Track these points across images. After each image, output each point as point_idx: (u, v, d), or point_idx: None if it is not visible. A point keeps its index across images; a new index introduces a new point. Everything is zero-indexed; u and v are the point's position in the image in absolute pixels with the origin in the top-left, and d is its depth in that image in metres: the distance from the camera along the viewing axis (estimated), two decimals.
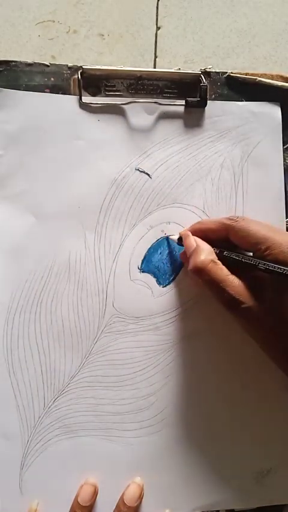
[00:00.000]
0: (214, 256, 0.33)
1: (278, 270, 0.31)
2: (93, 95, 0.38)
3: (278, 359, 0.34)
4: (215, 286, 0.32)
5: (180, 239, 0.37)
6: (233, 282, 0.32)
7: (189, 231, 0.36)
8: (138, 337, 0.37)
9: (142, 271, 0.38)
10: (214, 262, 0.33)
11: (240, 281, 0.32)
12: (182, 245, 0.36)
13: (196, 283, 0.38)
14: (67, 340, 0.37)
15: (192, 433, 0.38)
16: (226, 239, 0.34)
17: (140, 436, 0.37)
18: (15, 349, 0.36)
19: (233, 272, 0.33)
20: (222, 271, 0.33)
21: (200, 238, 0.35)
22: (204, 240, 0.35)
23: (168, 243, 0.38)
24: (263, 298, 0.32)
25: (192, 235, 0.36)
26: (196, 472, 0.37)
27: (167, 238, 0.38)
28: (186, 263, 0.36)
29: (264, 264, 0.31)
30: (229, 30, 0.44)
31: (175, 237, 0.37)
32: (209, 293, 0.33)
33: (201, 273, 0.33)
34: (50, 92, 0.38)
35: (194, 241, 0.35)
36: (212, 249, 0.34)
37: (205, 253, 0.33)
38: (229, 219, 0.34)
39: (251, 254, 0.33)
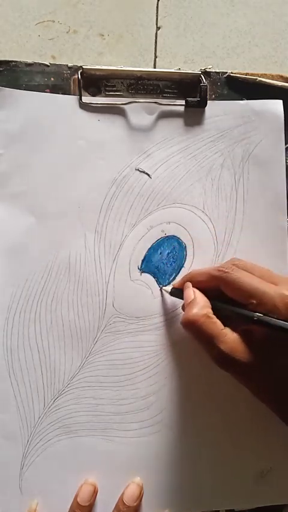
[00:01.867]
0: (209, 310, 0.32)
1: (273, 323, 0.30)
2: (93, 95, 0.38)
3: (272, 406, 0.33)
4: (207, 342, 0.31)
5: (172, 292, 0.37)
6: (225, 337, 0.31)
7: (181, 282, 0.36)
8: (138, 337, 0.37)
9: (142, 271, 0.38)
10: (208, 316, 0.32)
11: (233, 335, 0.31)
12: (175, 296, 0.36)
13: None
14: (67, 340, 0.37)
15: (192, 433, 0.38)
16: (218, 289, 0.34)
17: (140, 436, 0.37)
18: (15, 349, 0.36)
19: (226, 323, 0.32)
20: (215, 325, 0.32)
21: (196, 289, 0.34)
22: (201, 291, 0.34)
23: (168, 243, 0.38)
24: (255, 353, 0.31)
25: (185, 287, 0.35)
26: (196, 472, 0.37)
27: (160, 288, 0.38)
28: None
29: (259, 317, 0.31)
30: (229, 30, 0.44)
31: (168, 289, 0.37)
32: (200, 348, 0.33)
33: (193, 326, 0.32)
34: (50, 92, 0.38)
35: (192, 293, 0.34)
36: (208, 302, 0.33)
37: (199, 306, 0.32)
38: (219, 270, 0.33)
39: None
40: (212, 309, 0.33)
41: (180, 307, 0.38)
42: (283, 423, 0.39)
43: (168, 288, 0.37)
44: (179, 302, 0.38)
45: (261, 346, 0.31)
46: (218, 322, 0.32)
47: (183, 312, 0.37)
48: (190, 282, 0.35)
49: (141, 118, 0.38)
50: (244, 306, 0.32)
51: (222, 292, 0.33)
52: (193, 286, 0.35)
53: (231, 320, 0.33)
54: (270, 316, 0.30)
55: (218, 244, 0.39)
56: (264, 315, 0.31)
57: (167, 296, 0.38)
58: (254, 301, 0.31)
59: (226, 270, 0.33)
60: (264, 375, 0.31)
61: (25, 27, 0.41)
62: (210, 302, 0.33)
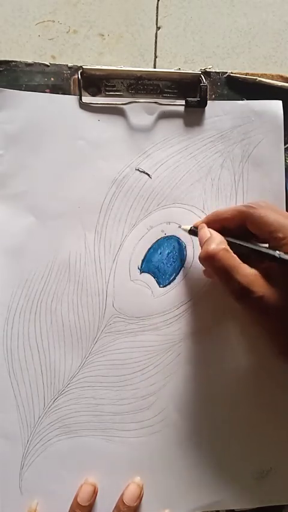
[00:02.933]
0: (226, 246, 0.33)
1: None
2: (93, 95, 0.38)
3: (286, 351, 0.33)
4: (225, 274, 0.32)
5: (191, 230, 0.37)
6: (245, 271, 0.32)
7: (204, 222, 0.36)
8: (138, 337, 0.37)
9: (142, 271, 0.38)
10: (226, 250, 0.32)
11: (251, 270, 0.32)
12: (194, 235, 0.36)
13: (207, 274, 0.38)
14: (67, 340, 0.37)
15: (192, 433, 0.38)
16: (243, 228, 0.34)
17: (140, 436, 0.37)
18: (15, 349, 0.36)
19: (244, 261, 0.32)
20: (234, 259, 0.32)
21: (216, 229, 0.35)
22: (221, 231, 0.35)
23: (168, 243, 0.38)
24: (274, 289, 0.31)
25: (209, 225, 0.35)
26: (196, 472, 0.37)
27: (179, 228, 0.38)
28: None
29: (280, 254, 0.31)
30: (229, 30, 0.44)
31: (187, 227, 0.37)
32: (219, 282, 0.33)
33: (212, 260, 0.32)
34: (50, 92, 0.38)
35: (208, 231, 0.34)
36: (224, 239, 0.34)
37: (216, 242, 0.33)
38: (246, 206, 0.34)
39: (267, 245, 0.33)
40: (230, 247, 0.33)
41: (179, 306, 0.38)
42: (283, 424, 0.39)
43: (188, 226, 0.37)
44: (179, 302, 0.38)
45: (280, 282, 0.32)
46: (236, 257, 0.32)
47: (209, 279, 0.38)
48: (214, 219, 0.35)
49: (141, 118, 0.38)
50: (266, 244, 0.33)
51: (243, 231, 0.34)
52: (217, 224, 0.35)
53: (249, 259, 0.33)
54: None
55: None
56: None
57: (167, 296, 0.38)
58: (280, 236, 0.32)
59: (254, 206, 0.34)
60: (282, 311, 0.31)
61: (25, 27, 0.41)
62: (228, 242, 0.34)
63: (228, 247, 0.33)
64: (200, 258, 0.34)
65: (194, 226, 0.37)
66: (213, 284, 0.38)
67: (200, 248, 0.34)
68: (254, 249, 0.33)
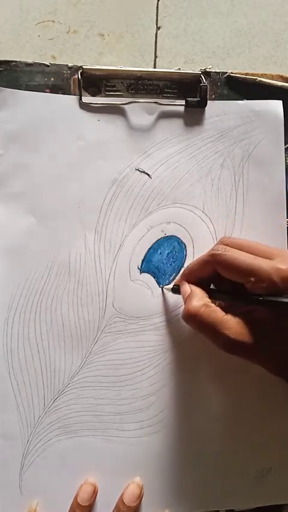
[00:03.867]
0: (207, 300, 0.32)
1: (278, 301, 0.30)
2: (93, 95, 0.38)
3: (285, 376, 0.33)
4: (211, 330, 0.31)
5: (173, 289, 0.37)
6: (229, 323, 0.31)
7: (183, 278, 0.36)
8: (138, 337, 0.37)
9: (142, 271, 0.38)
10: (207, 305, 0.32)
11: (235, 319, 0.31)
12: (178, 293, 0.36)
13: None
14: (67, 340, 0.37)
15: (192, 433, 0.38)
16: (214, 274, 0.34)
17: (140, 436, 0.37)
18: (15, 349, 0.36)
19: (226, 309, 0.32)
20: (216, 313, 0.32)
21: (194, 283, 0.35)
22: (200, 282, 0.34)
23: (168, 243, 0.38)
24: (260, 332, 0.31)
25: (186, 280, 0.35)
26: (196, 472, 0.37)
27: (162, 287, 0.38)
28: None
29: (264, 297, 0.31)
30: (229, 30, 0.44)
31: (169, 287, 0.37)
32: (205, 338, 0.32)
33: (195, 318, 0.32)
34: (50, 92, 0.38)
35: (188, 287, 0.34)
36: (204, 293, 0.33)
37: (197, 298, 0.32)
38: (211, 254, 0.33)
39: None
40: (211, 298, 0.33)
41: (179, 306, 0.38)
42: (283, 424, 0.39)
43: (170, 286, 0.37)
44: (180, 301, 0.38)
45: (264, 324, 0.31)
46: (218, 309, 0.32)
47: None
48: (189, 274, 0.35)
49: (141, 118, 0.38)
50: (242, 285, 0.32)
51: (221, 276, 0.33)
52: (193, 277, 0.35)
53: (230, 305, 0.33)
54: (270, 295, 0.31)
55: None
56: (259, 294, 0.31)
57: (167, 296, 0.38)
58: (252, 279, 0.31)
59: (218, 252, 0.33)
60: (272, 350, 0.31)
61: (25, 27, 0.41)
62: (208, 292, 0.34)
63: (209, 301, 0.32)
64: (182, 318, 0.33)
65: (176, 284, 0.37)
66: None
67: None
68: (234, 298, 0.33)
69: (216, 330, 0.31)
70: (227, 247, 0.33)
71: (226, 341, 0.31)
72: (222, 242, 0.34)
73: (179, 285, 0.36)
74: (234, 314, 0.32)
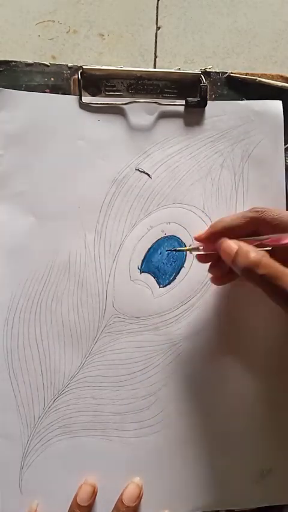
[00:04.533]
0: (263, 252, 0.32)
1: None
2: (93, 95, 0.38)
3: None
4: (273, 280, 0.30)
5: (195, 248, 0.35)
6: None
7: (210, 233, 0.34)
8: (138, 337, 0.37)
9: (142, 271, 0.38)
10: (267, 256, 0.31)
11: None
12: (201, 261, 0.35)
13: (214, 280, 0.37)
14: (67, 340, 0.37)
15: (192, 433, 0.38)
16: (251, 233, 0.33)
17: (140, 436, 0.37)
18: (15, 349, 0.36)
19: None
20: (277, 265, 0.31)
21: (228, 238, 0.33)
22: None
23: (168, 243, 0.38)
24: None
25: (215, 237, 0.34)
26: (196, 472, 0.37)
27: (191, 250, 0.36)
28: (215, 275, 0.36)
29: None
30: (229, 30, 0.44)
31: (196, 248, 0.35)
32: (264, 290, 0.31)
33: (257, 269, 0.30)
34: (50, 92, 0.38)
35: (233, 244, 0.32)
36: (255, 247, 0.32)
37: (253, 250, 0.31)
38: (254, 211, 0.34)
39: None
40: None
41: (179, 306, 0.38)
42: (283, 424, 0.39)
43: (196, 246, 0.35)
44: (178, 302, 0.38)
45: None
46: (276, 262, 0.31)
47: (210, 274, 0.37)
48: (224, 228, 0.34)
49: (141, 118, 0.38)
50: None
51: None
52: (230, 233, 0.34)
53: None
54: None
55: None
56: None
57: (167, 296, 0.38)
58: None
59: (262, 210, 0.33)
60: None
61: (25, 27, 0.41)
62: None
63: (265, 253, 0.31)
64: (243, 271, 0.31)
65: (199, 244, 0.35)
66: (212, 284, 0.38)
67: (230, 263, 0.32)
68: None
69: (279, 278, 0.30)
70: (266, 207, 0.34)
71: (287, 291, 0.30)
72: (256, 207, 0.34)
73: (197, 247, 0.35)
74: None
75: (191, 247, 0.36)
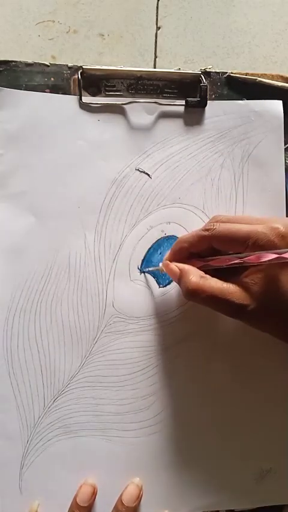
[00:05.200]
0: (201, 273, 0.33)
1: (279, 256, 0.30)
2: (93, 95, 0.38)
3: None
4: (214, 300, 0.32)
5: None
6: (230, 289, 0.32)
7: (172, 254, 0.36)
8: (138, 337, 0.37)
9: (142, 272, 0.38)
10: (205, 278, 0.33)
11: (235, 286, 0.32)
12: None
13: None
14: (67, 340, 0.37)
15: (192, 433, 0.38)
16: (209, 249, 0.34)
17: (140, 436, 0.37)
18: (15, 349, 0.36)
19: (224, 280, 0.33)
20: (216, 283, 0.32)
21: (185, 257, 0.35)
22: (190, 257, 0.35)
23: (168, 243, 0.38)
24: (259, 295, 0.32)
25: (177, 256, 0.35)
26: (196, 472, 0.37)
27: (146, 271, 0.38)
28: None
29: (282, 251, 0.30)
30: (229, 30, 0.44)
31: (160, 267, 0.37)
32: (211, 308, 0.33)
33: (196, 292, 0.32)
34: (50, 92, 0.38)
35: (175, 266, 0.34)
36: (195, 268, 0.34)
37: (192, 273, 0.33)
38: (206, 229, 0.34)
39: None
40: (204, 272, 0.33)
41: (178, 306, 0.38)
42: (283, 424, 0.39)
43: (157, 267, 0.37)
44: (178, 302, 0.38)
45: (261, 288, 0.32)
46: (217, 279, 0.32)
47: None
48: (180, 252, 0.35)
49: (141, 118, 0.38)
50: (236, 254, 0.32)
51: (211, 252, 0.34)
52: (184, 254, 0.35)
53: (225, 276, 0.33)
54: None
55: None
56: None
57: (167, 296, 0.38)
58: (250, 243, 0.31)
59: (214, 227, 0.33)
60: (277, 310, 0.32)
61: (25, 27, 0.41)
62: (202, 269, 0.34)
63: (204, 274, 0.33)
64: (184, 295, 0.33)
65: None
66: None
67: (178, 285, 0.34)
68: (231, 263, 0.32)
69: (219, 298, 0.31)
70: (219, 223, 0.34)
71: (232, 306, 0.31)
72: (214, 219, 0.35)
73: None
74: (233, 282, 0.32)
75: (160, 267, 0.37)
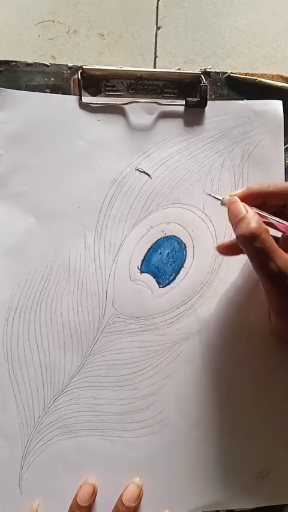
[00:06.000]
0: (265, 226, 0.32)
1: None
2: (93, 95, 0.38)
3: None
4: (264, 256, 0.31)
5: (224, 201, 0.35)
6: (282, 255, 0.31)
7: (243, 194, 0.34)
8: (138, 337, 0.37)
9: (142, 272, 0.38)
10: (267, 231, 0.31)
11: (286, 254, 0.31)
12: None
13: (221, 249, 0.37)
14: (67, 340, 0.37)
15: (192, 433, 0.38)
16: (279, 208, 0.34)
17: (140, 436, 0.37)
18: (15, 349, 0.36)
19: None
20: (273, 242, 0.31)
21: (255, 204, 0.33)
22: (258, 207, 0.34)
23: (168, 243, 0.38)
24: None
25: (246, 198, 0.34)
26: (196, 472, 0.37)
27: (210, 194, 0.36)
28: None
29: None
30: (229, 30, 0.44)
31: (220, 197, 0.35)
32: (254, 263, 0.32)
33: (254, 241, 0.31)
34: (50, 92, 0.38)
35: (243, 208, 0.32)
36: (261, 219, 0.32)
37: (256, 221, 0.31)
38: (263, 185, 0.33)
39: None
40: None
41: (179, 306, 0.38)
42: (283, 424, 0.39)
43: (221, 197, 0.35)
44: (178, 302, 0.38)
45: None
46: (273, 240, 0.31)
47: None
48: (259, 193, 0.34)
49: (141, 118, 0.38)
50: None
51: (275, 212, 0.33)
52: (261, 198, 0.34)
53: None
54: None
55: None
56: None
57: (167, 296, 0.38)
58: None
59: (270, 183, 0.33)
60: None
61: (25, 27, 0.41)
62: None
63: (267, 228, 0.32)
64: (239, 237, 0.32)
65: (228, 200, 0.34)
66: (212, 284, 0.38)
67: (232, 224, 0.33)
68: None
69: (270, 257, 0.31)
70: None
71: (276, 270, 0.30)
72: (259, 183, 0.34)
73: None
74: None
75: (225, 199, 0.35)
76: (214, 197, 0.35)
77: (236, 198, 0.34)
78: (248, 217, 0.32)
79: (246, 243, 0.31)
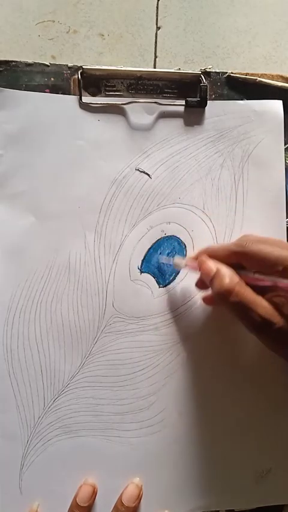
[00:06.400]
0: (238, 278, 0.32)
1: None
2: (93, 95, 0.38)
3: None
4: (244, 308, 0.31)
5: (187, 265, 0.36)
6: (262, 303, 0.31)
7: (196, 257, 0.35)
8: (138, 337, 0.37)
9: (142, 272, 0.38)
10: (240, 284, 0.32)
11: (265, 301, 0.31)
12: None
13: (207, 302, 0.38)
14: (67, 340, 0.37)
15: (192, 433, 0.38)
16: (235, 265, 0.34)
17: (140, 436, 0.37)
18: (15, 349, 0.36)
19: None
20: (250, 293, 0.32)
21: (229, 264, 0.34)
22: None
23: (168, 243, 0.38)
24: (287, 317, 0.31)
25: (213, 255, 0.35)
26: (196, 472, 0.37)
27: (174, 259, 0.37)
28: (202, 289, 0.37)
29: None
30: (229, 30, 0.44)
31: (182, 262, 0.36)
32: (236, 316, 0.32)
33: (229, 296, 0.32)
34: (50, 92, 0.38)
35: (213, 265, 0.33)
36: (233, 271, 0.33)
37: (229, 276, 0.32)
38: (237, 245, 0.34)
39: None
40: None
41: (179, 306, 0.38)
42: (283, 424, 0.39)
43: (183, 261, 0.36)
44: (178, 302, 0.38)
45: None
46: (250, 289, 0.32)
47: (197, 289, 0.37)
48: (211, 257, 0.35)
49: (141, 118, 0.38)
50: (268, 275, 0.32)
51: (237, 268, 0.34)
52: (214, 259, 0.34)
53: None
54: None
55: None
56: None
57: (167, 296, 0.38)
58: (280, 268, 0.31)
59: (244, 243, 0.33)
60: None
61: (25, 27, 0.41)
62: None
63: (241, 281, 0.32)
64: (216, 295, 0.33)
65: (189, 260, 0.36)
66: None
67: (208, 283, 0.33)
68: (262, 283, 0.32)
69: (250, 307, 0.31)
70: (253, 241, 0.34)
71: (259, 320, 0.31)
72: (246, 238, 0.35)
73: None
74: (263, 297, 0.32)
75: (177, 260, 0.37)
76: (178, 264, 0.37)
77: (204, 258, 0.35)
78: (220, 275, 0.33)
79: (223, 300, 0.32)
